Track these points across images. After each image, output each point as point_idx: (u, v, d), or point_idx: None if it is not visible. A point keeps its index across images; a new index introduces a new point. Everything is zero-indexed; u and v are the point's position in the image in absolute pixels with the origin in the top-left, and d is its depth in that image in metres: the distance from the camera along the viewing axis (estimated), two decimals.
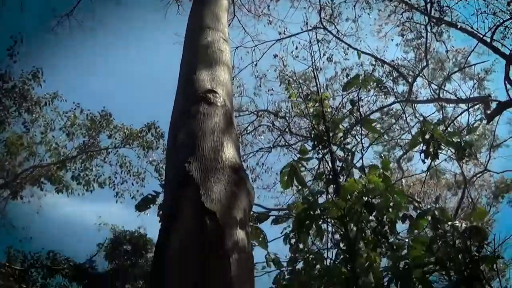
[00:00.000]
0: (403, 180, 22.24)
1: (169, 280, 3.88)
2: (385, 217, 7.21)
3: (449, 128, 16.92)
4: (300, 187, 8.18)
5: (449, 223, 6.85)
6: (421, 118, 19.94)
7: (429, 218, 7.09)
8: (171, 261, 3.96)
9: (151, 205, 6.65)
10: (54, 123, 23.57)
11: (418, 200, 20.37)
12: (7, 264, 22.48)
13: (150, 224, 23.05)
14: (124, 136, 23.47)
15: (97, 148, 23.74)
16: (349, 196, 6.80)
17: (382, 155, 20.33)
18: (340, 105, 10.24)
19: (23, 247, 23.55)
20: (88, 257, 22.82)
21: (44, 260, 23.62)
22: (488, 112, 18.61)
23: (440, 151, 7.65)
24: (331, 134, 7.98)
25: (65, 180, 23.16)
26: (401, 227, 7.58)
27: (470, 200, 24.50)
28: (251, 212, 5.46)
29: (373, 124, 8.12)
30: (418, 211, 7.72)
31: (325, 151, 7.97)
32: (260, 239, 7.28)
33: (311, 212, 6.86)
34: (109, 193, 23.41)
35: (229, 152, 4.81)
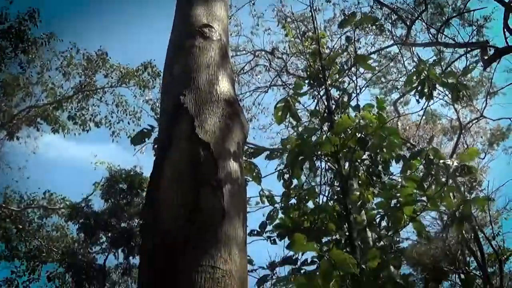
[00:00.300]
0: (399, 124, 22.29)
1: (162, 210, 3.94)
2: (378, 156, 7.26)
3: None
4: (294, 123, 8.20)
5: (441, 161, 6.91)
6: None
7: (423, 159, 7.14)
8: (165, 191, 4.01)
9: (146, 139, 6.67)
10: (51, 63, 23.55)
11: (413, 143, 20.48)
12: (3, 205, 22.76)
13: (146, 163, 23.27)
14: (120, 75, 23.43)
15: (94, 88, 23.70)
16: (342, 133, 6.82)
17: (378, 97, 20.30)
18: (336, 45, 10.17)
19: (19, 188, 23.88)
20: (84, 197, 23.10)
21: (40, 200, 23.95)
22: (486, 58, 18.51)
23: (435, 94, 7.65)
24: (327, 73, 7.95)
25: (61, 120, 23.21)
26: (395, 170, 7.65)
27: (465, 146, 24.63)
28: (245, 147, 5.50)
29: (368, 62, 8.07)
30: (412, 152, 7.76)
31: (321, 89, 7.96)
32: (254, 174, 7.34)
33: (305, 147, 6.89)
34: (105, 133, 23.61)
35: (224, 85, 4.82)
